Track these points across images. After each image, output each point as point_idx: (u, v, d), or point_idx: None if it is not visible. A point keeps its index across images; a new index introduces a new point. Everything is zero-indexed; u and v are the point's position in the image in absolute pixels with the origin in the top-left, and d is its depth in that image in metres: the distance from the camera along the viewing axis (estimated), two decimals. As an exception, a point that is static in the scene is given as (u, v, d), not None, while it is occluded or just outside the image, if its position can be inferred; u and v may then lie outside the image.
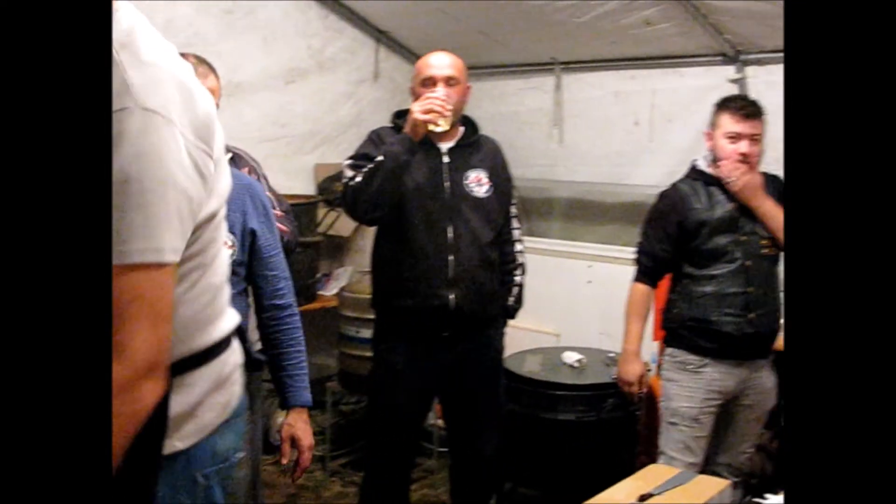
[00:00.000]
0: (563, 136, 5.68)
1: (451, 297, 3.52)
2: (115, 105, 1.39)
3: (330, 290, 5.36)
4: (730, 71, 4.86)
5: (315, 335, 5.15)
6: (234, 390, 1.84)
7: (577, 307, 5.28)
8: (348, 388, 4.89)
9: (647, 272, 3.77)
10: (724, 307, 3.59)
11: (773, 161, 3.71)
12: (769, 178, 3.67)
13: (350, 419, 5.27)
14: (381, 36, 5.87)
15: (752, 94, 4.76)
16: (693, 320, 3.64)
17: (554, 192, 6.05)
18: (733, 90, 4.83)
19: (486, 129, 6.14)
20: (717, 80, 4.87)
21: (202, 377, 1.72)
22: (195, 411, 1.71)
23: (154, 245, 1.43)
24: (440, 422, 4.63)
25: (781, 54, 4.65)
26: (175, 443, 1.67)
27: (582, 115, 5.56)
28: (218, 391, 1.76)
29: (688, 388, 3.62)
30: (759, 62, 4.78)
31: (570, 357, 4.52)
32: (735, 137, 3.57)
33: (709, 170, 3.68)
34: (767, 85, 4.74)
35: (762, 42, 4.67)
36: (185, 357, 1.67)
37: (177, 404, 1.62)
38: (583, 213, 5.80)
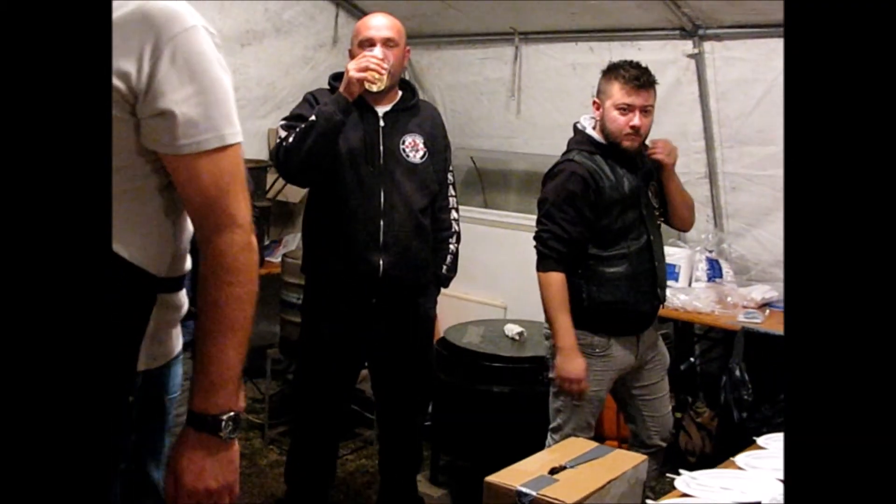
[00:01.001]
0: (520, 108, 5.62)
1: (381, 262, 3.46)
2: (183, 25, 1.56)
3: (277, 257, 5.29)
4: (687, 46, 4.78)
5: (260, 302, 5.06)
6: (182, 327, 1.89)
7: (525, 280, 5.20)
8: (289, 356, 4.82)
9: (563, 258, 3.45)
10: (638, 287, 3.49)
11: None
12: (644, 147, 3.57)
13: (291, 387, 5.20)
14: (341, 1, 5.77)
15: (710, 70, 4.73)
16: (607, 304, 3.47)
17: (511, 165, 5.99)
18: (691, 65, 4.79)
19: (443, 99, 6.09)
20: (675, 55, 4.81)
21: (178, 301, 1.78)
22: (164, 333, 1.76)
23: (236, 129, 1.65)
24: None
25: (740, 30, 4.60)
26: (148, 360, 1.71)
27: (540, 87, 5.49)
28: (178, 322, 1.81)
29: (596, 373, 3.50)
30: (717, 37, 4.71)
31: (512, 329, 4.47)
32: (626, 109, 3.39)
33: (602, 139, 3.49)
34: (725, 61, 4.69)
35: (721, 17, 4.60)
36: (177, 277, 1.76)
37: (159, 321, 1.71)
38: (539, 186, 5.73)
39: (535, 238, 3.51)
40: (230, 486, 1.71)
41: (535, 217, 3.58)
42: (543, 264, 3.48)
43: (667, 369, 3.79)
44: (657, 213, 3.61)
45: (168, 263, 1.70)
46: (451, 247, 3.71)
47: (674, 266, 4.68)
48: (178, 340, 1.81)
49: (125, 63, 1.51)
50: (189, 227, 1.76)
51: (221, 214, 1.64)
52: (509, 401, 4.11)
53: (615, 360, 3.52)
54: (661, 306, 3.68)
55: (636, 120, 3.38)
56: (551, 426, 3.61)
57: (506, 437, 4.03)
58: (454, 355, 4.19)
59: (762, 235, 4.83)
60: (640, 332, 3.59)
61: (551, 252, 3.44)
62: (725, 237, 4.90)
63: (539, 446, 3.28)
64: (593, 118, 3.55)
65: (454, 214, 3.74)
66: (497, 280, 5.37)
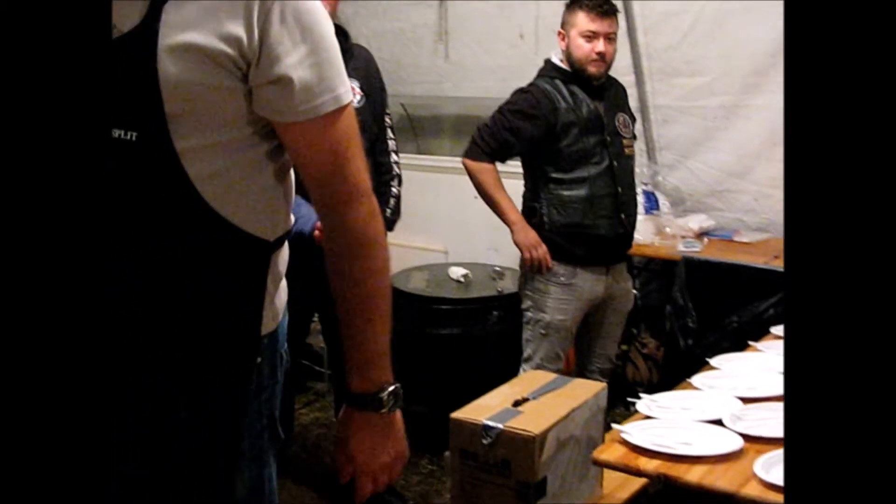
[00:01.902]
0: (448, 52, 5.59)
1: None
2: None
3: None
4: (613, -20, 4.80)
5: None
6: None
7: (464, 223, 5.25)
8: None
9: (492, 153, 3.61)
10: (598, 210, 3.58)
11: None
12: (612, 81, 3.75)
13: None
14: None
15: (637, 4, 4.75)
16: (567, 226, 3.58)
17: (442, 109, 5.97)
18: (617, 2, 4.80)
19: (370, 46, 5.97)
20: (602, -10, 4.81)
21: (285, 256, 1.69)
22: (277, 289, 1.66)
23: (348, 86, 1.53)
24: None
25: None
26: (268, 321, 1.62)
27: (467, 30, 5.47)
28: (284, 275, 1.71)
29: (561, 301, 3.61)
30: (645, -26, 4.73)
31: (456, 272, 4.49)
32: (591, 36, 3.52)
33: (565, 66, 3.63)
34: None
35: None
36: (284, 235, 1.64)
37: (274, 280, 1.61)
38: (471, 129, 5.68)
39: (476, 129, 3.69)
40: (402, 454, 1.69)
41: None
42: (474, 153, 3.63)
43: (628, 312, 3.90)
44: (626, 143, 3.69)
45: (280, 226, 1.60)
46: (394, 189, 3.70)
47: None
48: (285, 293, 1.72)
49: (233, 27, 1.38)
50: (293, 184, 1.66)
51: (345, 183, 1.54)
52: (459, 342, 4.14)
53: (582, 291, 3.61)
54: (630, 234, 3.77)
55: (601, 46, 3.52)
56: (523, 356, 3.74)
57: (458, 378, 4.05)
58: (401, 301, 4.17)
59: (695, 166, 4.89)
60: (608, 263, 3.68)
61: (484, 145, 3.60)
62: (659, 170, 4.95)
63: (491, 386, 3.30)
64: (560, 53, 3.67)
65: (394, 157, 3.72)
66: (437, 225, 5.39)
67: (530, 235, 3.59)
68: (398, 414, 1.68)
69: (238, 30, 1.38)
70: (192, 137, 1.41)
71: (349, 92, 1.52)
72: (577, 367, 3.89)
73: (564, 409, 2.58)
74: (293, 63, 1.43)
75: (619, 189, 3.61)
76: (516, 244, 3.63)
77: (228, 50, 1.38)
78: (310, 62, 1.45)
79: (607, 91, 3.69)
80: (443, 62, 5.62)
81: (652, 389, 4.26)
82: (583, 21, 3.52)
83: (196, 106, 1.40)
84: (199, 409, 1.50)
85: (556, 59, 3.67)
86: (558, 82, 3.59)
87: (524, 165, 3.72)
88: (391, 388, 1.64)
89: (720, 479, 2.07)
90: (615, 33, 3.59)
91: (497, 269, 4.52)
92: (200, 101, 1.40)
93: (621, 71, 4.78)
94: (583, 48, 3.53)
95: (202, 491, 1.53)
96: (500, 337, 4.13)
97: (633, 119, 3.84)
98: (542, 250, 3.57)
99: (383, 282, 1.62)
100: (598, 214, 3.58)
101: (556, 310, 3.62)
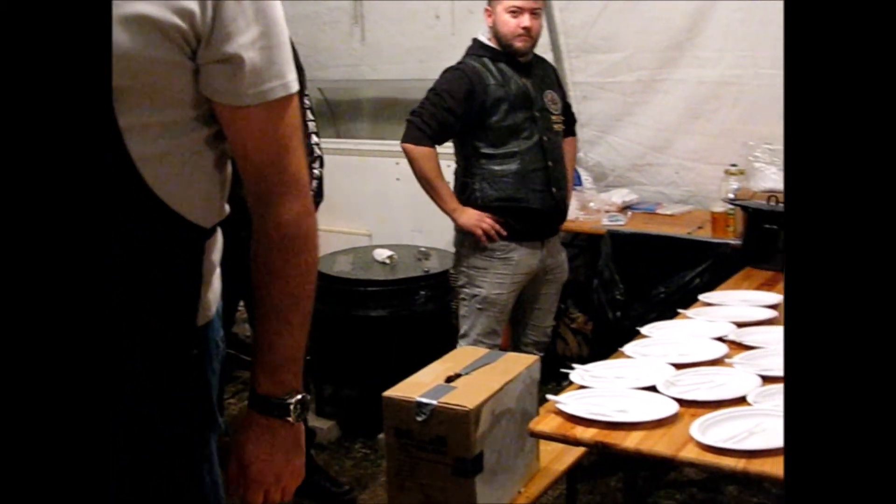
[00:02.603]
0: (365, 35, 5.54)
1: (243, 192, 3.37)
2: None
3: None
4: (528, -43, 4.79)
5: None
6: None
7: (387, 205, 5.22)
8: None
9: (433, 135, 3.60)
10: (529, 184, 3.61)
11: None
12: (539, 59, 3.81)
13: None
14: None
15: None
16: (499, 200, 3.61)
17: (360, 93, 5.93)
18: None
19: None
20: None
21: (220, 244, 1.62)
22: (213, 278, 1.59)
23: (296, 76, 1.48)
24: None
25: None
26: (204, 312, 1.55)
27: (382, 12, 5.42)
28: (218, 264, 1.64)
29: (498, 275, 3.65)
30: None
31: (382, 254, 4.46)
32: (517, 11, 3.57)
33: (492, 44, 3.66)
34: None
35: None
36: (219, 223, 1.58)
37: (209, 269, 1.55)
38: (390, 111, 5.70)
39: (410, 113, 3.65)
40: (299, 469, 1.60)
41: (389, 142, 3.68)
42: (415, 136, 3.60)
43: (563, 284, 3.94)
44: (555, 119, 3.74)
45: (216, 214, 1.54)
46: (315, 171, 3.64)
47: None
48: (219, 282, 1.64)
49: (188, 1, 1.32)
50: (230, 173, 1.58)
51: (284, 175, 1.49)
52: (387, 324, 4.11)
53: (518, 265, 3.66)
54: (562, 209, 3.81)
55: (526, 21, 3.57)
56: (460, 333, 3.75)
57: (388, 360, 4.03)
58: (327, 285, 4.15)
59: (616, 141, 4.92)
60: (542, 237, 3.72)
61: (426, 127, 3.58)
62: (581, 146, 4.96)
63: (421, 366, 3.28)
64: (487, 30, 3.69)
65: (314, 139, 3.66)
66: (359, 209, 5.35)
67: (472, 214, 3.61)
68: (301, 427, 1.59)
69: (191, 3, 1.32)
70: (134, 114, 1.34)
71: (296, 82, 1.47)
72: (513, 342, 3.92)
73: (498, 383, 2.57)
74: (245, 43, 1.38)
75: (550, 163, 3.66)
76: (463, 228, 3.64)
77: (180, 23, 1.32)
78: (261, 44, 1.40)
79: (535, 69, 3.74)
80: (359, 45, 5.57)
81: (582, 363, 4.27)
82: None
83: (142, 80, 1.34)
84: (137, 402, 1.44)
85: (484, 38, 3.70)
86: (486, 60, 3.63)
87: (455, 143, 3.74)
88: (299, 396, 1.55)
89: (657, 444, 2.08)
90: (540, 9, 3.65)
91: (422, 249, 4.51)
92: (147, 76, 1.34)
93: (540, 49, 4.77)
94: (509, 24, 3.58)
95: (143, 481, 1.48)
96: (428, 317, 4.12)
97: (563, 96, 3.88)
98: (488, 220, 3.60)
99: (309, 282, 1.55)
100: (530, 188, 3.62)
101: (492, 284, 3.65)
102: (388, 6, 5.37)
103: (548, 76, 3.82)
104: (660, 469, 3.65)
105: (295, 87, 1.47)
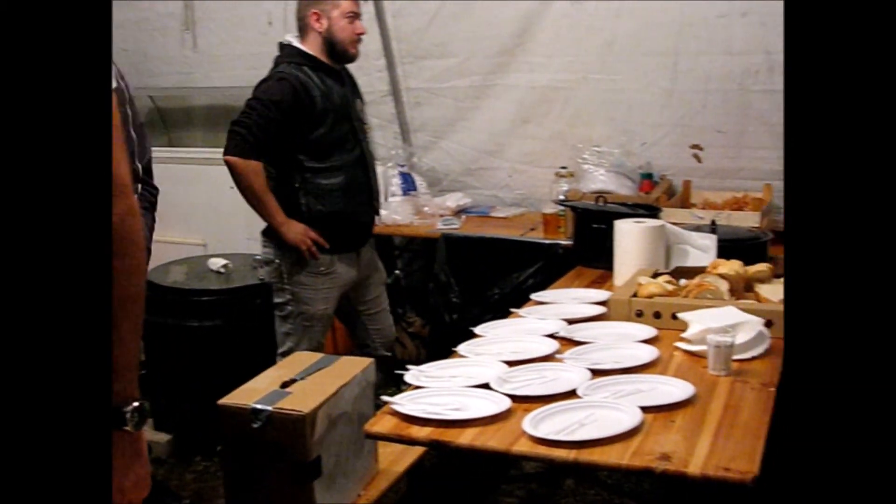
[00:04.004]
0: (196, 41, 5.44)
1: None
2: None
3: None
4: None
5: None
6: None
7: (221, 214, 5.14)
8: None
9: (260, 148, 3.44)
10: (356, 197, 3.60)
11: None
12: (343, 68, 3.70)
13: None
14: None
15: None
16: (328, 215, 3.55)
17: (192, 101, 5.84)
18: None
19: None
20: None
21: None
22: None
23: (112, 72, 1.42)
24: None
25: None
26: None
27: (214, 19, 5.34)
28: None
29: (323, 291, 3.62)
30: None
31: (216, 263, 4.39)
32: (353, 17, 3.56)
33: (312, 52, 3.56)
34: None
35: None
36: None
37: None
38: (224, 119, 5.59)
39: (233, 124, 3.48)
40: (143, 480, 1.52)
41: (220, 150, 3.54)
42: (241, 149, 3.43)
43: (385, 283, 3.94)
44: (367, 128, 3.75)
45: None
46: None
47: (369, 183, 4.76)
48: None
49: None
50: None
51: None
52: (223, 333, 4.04)
53: (340, 277, 3.64)
54: (376, 220, 3.82)
55: (360, 26, 3.57)
56: (281, 351, 3.64)
57: (224, 369, 3.95)
58: (161, 296, 4.06)
59: (449, 146, 4.98)
60: (359, 247, 3.71)
61: (253, 139, 3.43)
62: (415, 151, 5.01)
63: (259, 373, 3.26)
64: (298, 36, 3.60)
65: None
66: (193, 218, 5.26)
67: (298, 229, 3.52)
68: (143, 435, 1.54)
69: None
70: None
71: (114, 77, 1.44)
72: (359, 350, 3.87)
73: (333, 387, 2.57)
74: None
75: (370, 175, 3.67)
76: (289, 243, 3.53)
77: None
78: None
79: (344, 77, 3.67)
80: (191, 52, 5.47)
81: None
82: (347, 2, 3.53)
83: None
84: None
85: (297, 43, 3.58)
86: (307, 69, 3.51)
87: (274, 155, 3.55)
88: (136, 403, 1.49)
89: (491, 440, 2.10)
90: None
91: (258, 257, 4.45)
92: None
93: (372, 55, 4.81)
94: (347, 30, 3.53)
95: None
96: (265, 325, 4.06)
97: (364, 104, 3.85)
98: (312, 235, 3.53)
99: (137, 285, 1.47)
100: (357, 202, 3.61)
101: (318, 300, 3.62)
102: (221, 12, 5.29)
103: (354, 84, 3.77)
104: (500, 465, 3.71)
105: (112, 83, 1.42)
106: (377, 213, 3.77)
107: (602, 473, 3.62)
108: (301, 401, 2.48)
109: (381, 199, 4.70)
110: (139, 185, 2.64)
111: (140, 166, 2.62)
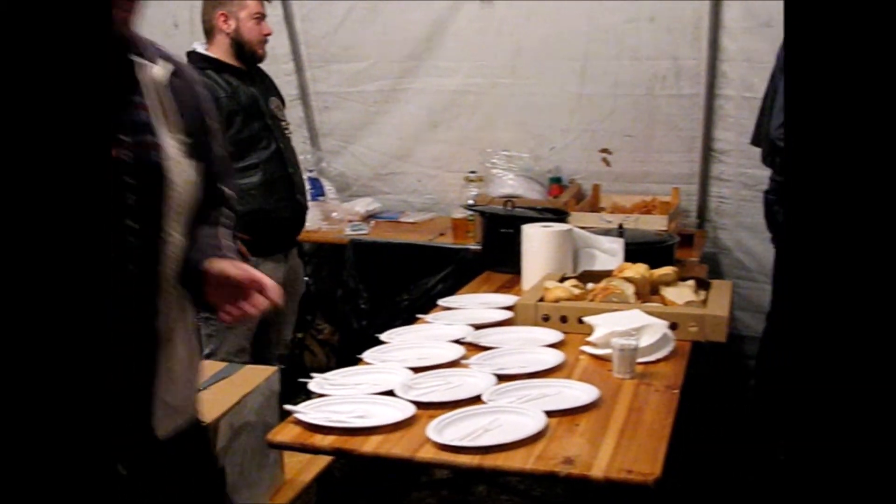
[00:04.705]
0: (99, 44, 5.33)
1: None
2: None
3: None
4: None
5: None
6: None
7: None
8: None
9: None
10: (276, 193, 3.60)
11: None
12: (257, 68, 3.72)
13: None
14: None
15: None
16: (248, 215, 3.47)
17: (95, 105, 5.70)
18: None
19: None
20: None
21: None
22: None
23: None
24: None
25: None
26: None
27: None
28: None
29: None
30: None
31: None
32: (260, 18, 3.58)
33: (218, 55, 3.58)
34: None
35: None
36: None
37: None
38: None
39: None
40: None
41: None
42: None
43: (300, 296, 3.95)
44: (285, 125, 3.73)
45: None
46: None
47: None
48: None
49: None
50: None
51: None
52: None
53: None
54: (304, 215, 3.80)
55: (268, 27, 3.62)
56: (205, 353, 3.57)
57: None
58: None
59: (358, 151, 4.95)
60: (285, 249, 3.71)
61: None
62: (324, 156, 4.97)
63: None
64: (204, 43, 3.61)
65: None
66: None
67: None
68: None
69: None
70: None
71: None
72: (255, 358, 3.82)
73: (236, 396, 2.53)
74: None
75: (291, 170, 3.66)
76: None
77: None
78: None
79: (256, 77, 3.71)
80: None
81: (329, 374, 4.30)
82: (254, 3, 3.56)
83: None
84: None
85: (202, 49, 3.60)
86: (210, 73, 3.51)
87: None
88: None
89: (396, 447, 2.08)
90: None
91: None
92: None
93: (281, 59, 4.76)
94: (254, 30, 3.57)
95: None
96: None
97: (284, 102, 3.87)
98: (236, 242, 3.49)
99: None
100: (277, 197, 3.60)
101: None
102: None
103: (269, 84, 3.81)
104: (410, 472, 3.68)
105: None
106: (304, 210, 3.76)
107: (513, 479, 3.62)
108: (204, 410, 2.42)
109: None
110: None
111: None
